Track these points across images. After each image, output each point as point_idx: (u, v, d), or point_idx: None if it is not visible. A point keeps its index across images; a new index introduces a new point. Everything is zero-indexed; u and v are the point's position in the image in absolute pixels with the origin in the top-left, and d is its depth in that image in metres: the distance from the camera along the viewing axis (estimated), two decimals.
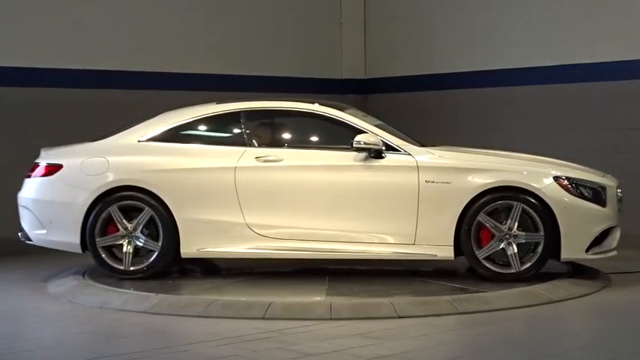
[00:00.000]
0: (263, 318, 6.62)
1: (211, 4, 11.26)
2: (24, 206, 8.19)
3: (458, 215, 7.49)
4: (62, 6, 10.36)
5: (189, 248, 7.80)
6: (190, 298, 7.24)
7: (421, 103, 11.41)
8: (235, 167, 7.77)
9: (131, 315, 6.84)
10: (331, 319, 6.58)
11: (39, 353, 5.86)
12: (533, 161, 7.90)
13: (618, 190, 7.80)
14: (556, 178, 7.53)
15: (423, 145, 8.23)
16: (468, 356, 5.84)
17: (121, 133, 8.15)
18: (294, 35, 11.97)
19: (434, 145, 8.30)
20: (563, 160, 8.03)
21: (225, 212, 7.73)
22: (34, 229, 8.13)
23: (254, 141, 7.93)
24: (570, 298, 7.17)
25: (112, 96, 10.52)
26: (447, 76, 11.40)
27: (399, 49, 11.97)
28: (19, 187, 8.30)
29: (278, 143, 8.04)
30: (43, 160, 8.16)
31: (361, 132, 7.71)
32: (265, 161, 7.77)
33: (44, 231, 8.07)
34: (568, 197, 7.49)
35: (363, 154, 7.65)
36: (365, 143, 7.61)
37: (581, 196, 7.54)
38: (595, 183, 7.64)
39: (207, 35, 11.22)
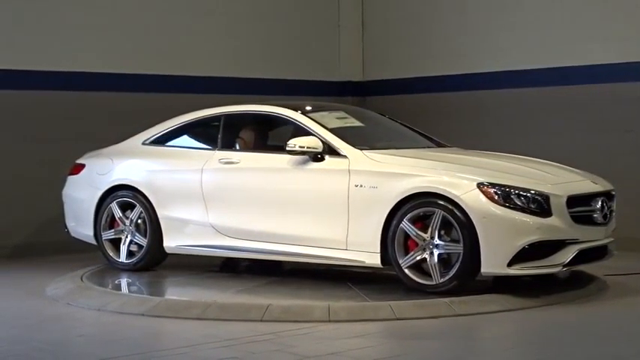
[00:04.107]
0: (261, 320, 6.62)
1: (207, 9, 11.25)
2: (64, 201, 9.01)
3: (383, 221, 7.21)
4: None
5: (170, 244, 8.27)
6: (188, 300, 7.28)
7: (418, 106, 11.40)
8: (202, 169, 8.15)
9: (129, 317, 6.85)
10: (329, 321, 6.59)
11: (37, 356, 5.86)
12: (477, 167, 7.37)
13: (601, 200, 7.34)
14: (480, 185, 7.01)
15: (440, 146, 8.30)
16: (466, 358, 5.85)
17: (134, 137, 8.80)
18: (292, 38, 11.96)
19: (446, 147, 8.36)
20: (550, 161, 7.90)
21: (194, 211, 8.13)
22: (69, 221, 8.96)
23: (224, 144, 8.27)
24: (566, 301, 7.17)
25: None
26: (444, 78, 11.41)
27: (397, 52, 11.97)
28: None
29: (243, 146, 8.27)
30: (78, 161, 8.97)
31: (310, 134, 7.72)
32: (225, 163, 8.07)
33: (74, 223, 8.89)
34: (490, 206, 6.93)
35: (305, 157, 7.65)
36: (297, 146, 7.57)
37: (512, 205, 6.96)
38: (533, 191, 7.03)
39: (203, 39, 11.21)
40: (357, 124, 8.34)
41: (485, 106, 11.03)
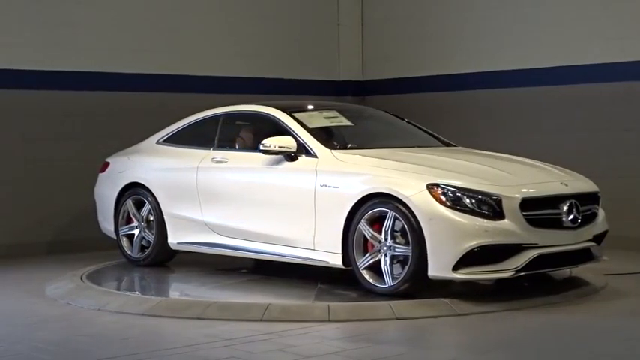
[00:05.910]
0: (261, 320, 6.63)
1: (205, 7, 11.25)
2: (95, 199, 9.28)
3: (343, 222, 7.17)
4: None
5: (172, 241, 8.47)
6: (188, 300, 7.29)
7: (418, 105, 11.41)
8: (197, 168, 8.30)
9: (129, 317, 6.85)
10: (329, 320, 6.59)
11: (37, 356, 5.86)
12: (436, 167, 7.18)
13: (569, 202, 7.05)
14: (429, 186, 6.85)
15: (448, 145, 8.30)
16: (465, 357, 5.86)
17: (152, 136, 9.04)
18: (292, 37, 11.96)
19: (452, 146, 8.34)
20: (540, 161, 7.83)
21: (192, 209, 8.28)
22: (99, 217, 9.23)
23: (219, 143, 8.41)
24: (566, 301, 7.18)
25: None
26: (443, 77, 11.41)
27: (396, 51, 11.98)
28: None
29: (241, 145, 8.38)
30: (107, 159, 9.23)
31: (289, 133, 7.76)
32: (216, 163, 8.22)
33: (101, 219, 9.17)
34: (438, 207, 6.75)
35: (280, 157, 7.69)
36: (271, 146, 7.61)
37: (461, 207, 6.77)
38: (485, 193, 6.83)
39: (203, 38, 11.22)
40: (346, 123, 8.25)
41: (484, 106, 11.03)
